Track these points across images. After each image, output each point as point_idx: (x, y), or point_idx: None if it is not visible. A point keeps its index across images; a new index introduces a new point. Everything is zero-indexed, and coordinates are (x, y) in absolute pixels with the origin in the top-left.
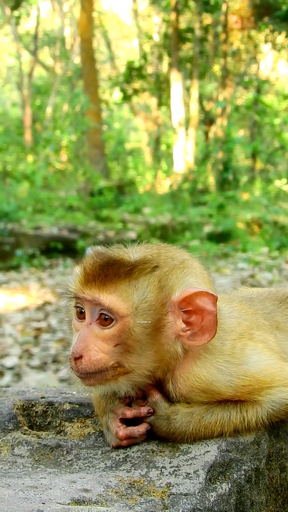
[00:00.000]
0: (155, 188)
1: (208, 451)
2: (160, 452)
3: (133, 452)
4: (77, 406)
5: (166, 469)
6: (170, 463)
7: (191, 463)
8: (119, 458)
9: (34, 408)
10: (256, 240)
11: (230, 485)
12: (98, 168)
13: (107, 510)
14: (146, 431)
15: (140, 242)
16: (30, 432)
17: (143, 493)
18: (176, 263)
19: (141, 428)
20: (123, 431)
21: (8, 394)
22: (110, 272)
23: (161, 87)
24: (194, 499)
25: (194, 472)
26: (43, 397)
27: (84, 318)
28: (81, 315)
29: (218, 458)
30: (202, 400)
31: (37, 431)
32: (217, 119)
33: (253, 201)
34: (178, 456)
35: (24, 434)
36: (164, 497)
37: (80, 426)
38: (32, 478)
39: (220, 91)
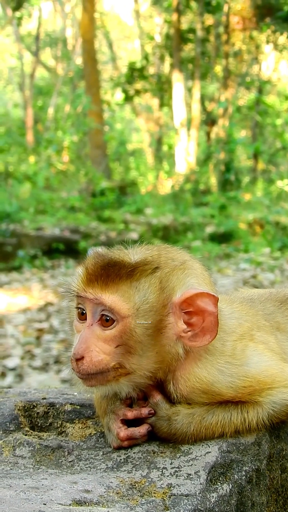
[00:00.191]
0: (157, 189)
1: (209, 452)
2: (161, 453)
3: (134, 453)
4: (78, 407)
5: (167, 470)
6: (171, 464)
7: (192, 464)
8: (120, 459)
9: (35, 409)
10: (258, 241)
11: (231, 486)
12: (100, 168)
13: (108, 511)
14: (147, 432)
15: (140, 243)
16: (31, 433)
17: (144, 494)
18: (176, 264)
19: (142, 429)
20: (124, 432)
21: (9, 395)
22: (111, 273)
23: (163, 88)
24: (195, 499)
25: (195, 473)
26: (45, 398)
27: (86, 319)
28: (82, 316)
29: (219, 459)
30: (203, 401)
31: (38, 432)
32: (219, 120)
33: (255, 202)
34: (179, 457)
35: (26, 435)
36: (165, 498)
37: (81, 427)
38: (33, 479)
39: (222, 91)
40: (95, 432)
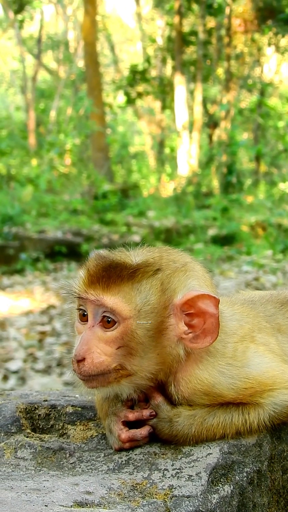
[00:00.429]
0: (159, 191)
1: (210, 454)
2: (163, 454)
3: (135, 454)
4: (79, 409)
5: (168, 471)
6: (172, 465)
7: (193, 466)
8: (122, 461)
9: (37, 411)
10: (260, 243)
11: (232, 487)
12: (102, 171)
13: None
14: (149, 434)
15: (142, 245)
16: (33, 435)
17: (145, 495)
18: (178, 266)
19: (143, 431)
20: (125, 433)
21: (11, 397)
22: (113, 274)
23: (164, 90)
24: (196, 501)
25: (196, 474)
26: (46, 400)
27: (87, 320)
28: (83, 317)
29: (220, 460)
30: (204, 402)
31: (40, 434)
32: (221, 122)
33: (257, 204)
34: (181, 458)
35: (27, 437)
36: (166, 499)
37: (83, 429)
38: (35, 480)
39: (223, 94)
40: (97, 434)
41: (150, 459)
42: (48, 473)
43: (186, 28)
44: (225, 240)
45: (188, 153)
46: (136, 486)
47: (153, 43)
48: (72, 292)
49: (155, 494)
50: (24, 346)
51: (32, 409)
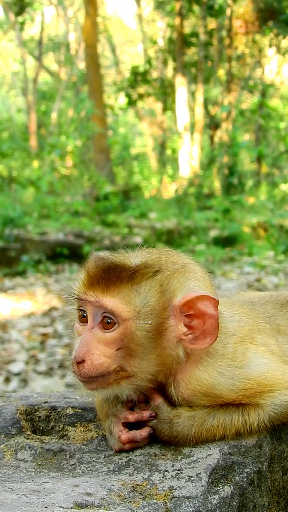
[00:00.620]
0: (161, 193)
1: (210, 454)
2: (163, 455)
3: (135, 456)
4: (80, 410)
5: (168, 472)
6: (172, 466)
7: (193, 466)
8: (122, 462)
9: (37, 413)
10: (262, 244)
11: (232, 488)
12: (104, 173)
13: None
14: (149, 435)
15: (141, 247)
16: (33, 436)
17: (145, 496)
18: (177, 267)
19: (143, 432)
20: (125, 435)
21: (11, 399)
22: (112, 276)
23: (166, 92)
24: (196, 502)
25: (196, 475)
26: (46, 402)
27: (86, 322)
28: (83, 319)
29: (220, 461)
30: (204, 403)
31: (40, 435)
32: (222, 124)
33: (258, 205)
34: (181, 459)
35: (27, 438)
36: (166, 501)
37: (83, 431)
38: (35, 482)
39: (225, 95)
40: (97, 436)
41: (150, 460)
42: (49, 475)
43: (187, 30)
44: (227, 241)
45: (189, 155)
46: (136, 487)
47: (154, 45)
48: (71, 293)
49: (155, 495)
50: (26, 348)
51: (32, 411)
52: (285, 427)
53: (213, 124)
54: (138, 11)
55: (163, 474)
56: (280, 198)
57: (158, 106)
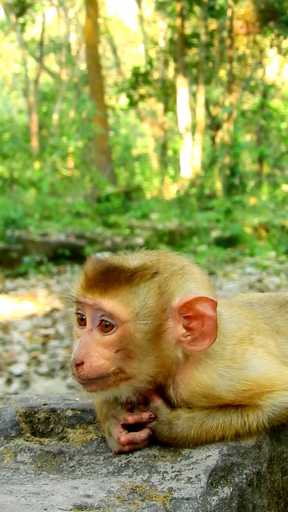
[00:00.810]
0: (162, 194)
1: (210, 456)
2: (162, 457)
3: (135, 457)
4: (79, 412)
5: (168, 473)
6: (171, 467)
7: (192, 468)
8: (121, 464)
9: (36, 415)
10: (264, 245)
11: (231, 489)
12: (105, 174)
13: None
14: (148, 437)
15: (141, 248)
16: (32, 439)
17: (145, 498)
18: (175, 269)
19: (143, 434)
20: (125, 436)
21: (11, 402)
22: (111, 278)
23: (167, 93)
24: (195, 503)
25: (195, 476)
26: (46, 404)
27: (85, 324)
28: (82, 321)
29: (219, 462)
30: (203, 405)
31: (39, 437)
32: (224, 124)
33: (260, 206)
34: (180, 460)
35: (27, 441)
36: (166, 502)
37: (83, 432)
38: (34, 484)
39: (226, 96)
40: (96, 437)
41: (149, 461)
42: (48, 477)
43: (188, 30)
44: (228, 242)
45: (191, 155)
46: (136, 489)
47: (155, 46)
48: (70, 296)
49: (155, 497)
50: (28, 349)
51: (32, 413)
52: (284, 428)
53: (214, 125)
54: (139, 12)
55: (163, 475)
56: (281, 198)
57: (160, 107)
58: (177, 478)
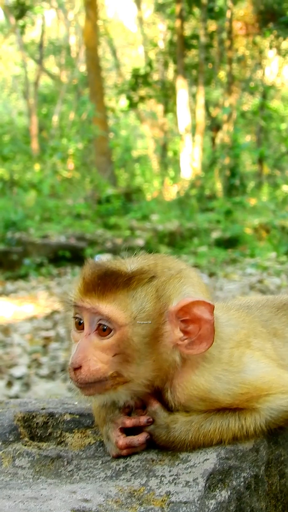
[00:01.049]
0: (163, 195)
1: (207, 459)
2: (160, 461)
3: (133, 461)
4: (77, 416)
5: (165, 477)
6: (169, 471)
7: (190, 471)
8: (119, 468)
9: (35, 420)
10: (264, 245)
11: (229, 492)
12: (105, 175)
13: None
14: (146, 440)
15: (140, 251)
16: (31, 443)
17: (143, 502)
18: (173, 273)
19: (140, 437)
20: (123, 440)
21: (10, 406)
22: (108, 282)
23: (167, 94)
24: (193, 507)
25: (193, 480)
26: (44, 408)
27: (83, 328)
28: (79, 325)
29: (217, 465)
30: (201, 408)
31: (38, 442)
32: (224, 125)
33: (260, 206)
34: (178, 464)
35: (25, 445)
36: (163, 506)
37: (81, 437)
38: (32, 489)
39: (226, 97)
40: (94, 441)
41: (147, 465)
42: (46, 481)
43: (187, 32)
44: (229, 243)
45: (191, 156)
46: (134, 493)
47: (155, 47)
48: (68, 300)
49: (153, 501)
50: (28, 351)
51: (30, 418)
52: (282, 431)
53: (214, 126)
54: (139, 13)
55: (160, 479)
56: (282, 199)
57: (159, 108)
58: (175, 482)
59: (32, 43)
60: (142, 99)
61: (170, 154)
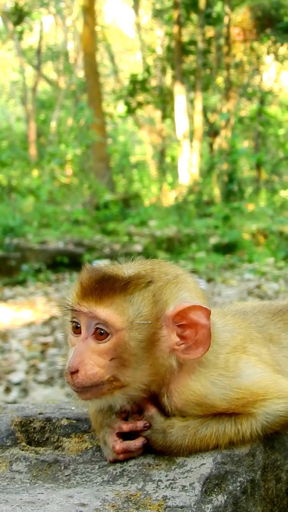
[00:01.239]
0: (161, 201)
1: (204, 464)
2: (157, 465)
3: (129, 466)
4: (74, 421)
5: (162, 482)
6: (166, 476)
7: (187, 476)
8: (116, 472)
9: (32, 424)
10: (262, 251)
11: (226, 497)
12: (104, 181)
13: None
14: (143, 445)
15: (137, 257)
16: (28, 448)
17: (139, 506)
18: (169, 278)
19: (137, 442)
20: (119, 445)
21: (7, 411)
22: (105, 286)
23: (165, 100)
24: (190, 511)
25: (190, 484)
26: (41, 413)
27: (80, 332)
28: (77, 330)
29: (213, 470)
30: (197, 413)
31: (35, 447)
32: (221, 131)
33: (258, 212)
34: (174, 469)
35: (22, 450)
36: (160, 510)
37: (78, 441)
38: (29, 493)
39: (223, 103)
40: (91, 446)
41: (144, 470)
42: (43, 486)
43: (185, 38)
44: (227, 248)
45: (189, 162)
46: (130, 498)
47: (153, 53)
48: (65, 304)
49: (149, 505)
50: (26, 357)
51: (28, 422)
52: (278, 436)
53: (212, 132)
54: (137, 19)
55: (157, 484)
56: (279, 204)
57: (157, 114)
58: (172, 487)
59: (30, 49)
60: (140, 105)
61: (168, 160)
